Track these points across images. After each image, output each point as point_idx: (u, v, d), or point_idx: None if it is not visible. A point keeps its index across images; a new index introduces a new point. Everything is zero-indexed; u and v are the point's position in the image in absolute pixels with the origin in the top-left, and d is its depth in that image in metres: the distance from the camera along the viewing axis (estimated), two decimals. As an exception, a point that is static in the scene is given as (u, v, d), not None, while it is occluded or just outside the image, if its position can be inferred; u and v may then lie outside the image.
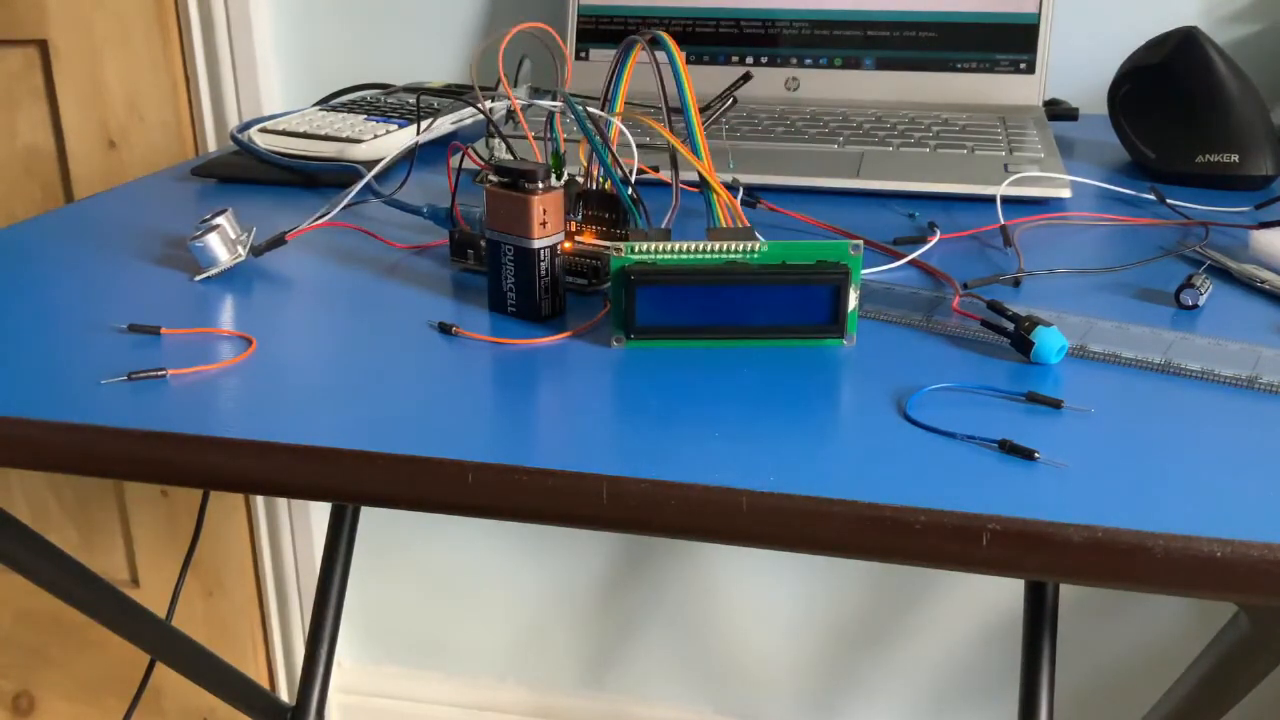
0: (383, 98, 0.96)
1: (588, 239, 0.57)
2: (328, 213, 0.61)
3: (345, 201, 0.61)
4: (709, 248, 0.50)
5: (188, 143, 1.27)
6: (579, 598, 1.39)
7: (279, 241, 0.61)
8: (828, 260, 0.50)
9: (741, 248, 0.50)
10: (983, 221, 0.68)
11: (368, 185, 0.60)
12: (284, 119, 0.87)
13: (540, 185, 0.51)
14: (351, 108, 0.93)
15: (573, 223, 0.56)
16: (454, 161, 0.63)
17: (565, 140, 0.58)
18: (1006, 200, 0.71)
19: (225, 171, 0.81)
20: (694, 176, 0.55)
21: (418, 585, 1.44)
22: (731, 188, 0.65)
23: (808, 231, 0.67)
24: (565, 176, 0.59)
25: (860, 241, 0.50)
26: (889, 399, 0.46)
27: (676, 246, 0.50)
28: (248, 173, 0.80)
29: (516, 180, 0.52)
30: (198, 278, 0.59)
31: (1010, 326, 0.50)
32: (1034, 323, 0.49)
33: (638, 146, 0.56)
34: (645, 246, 0.50)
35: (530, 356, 0.50)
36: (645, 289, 0.50)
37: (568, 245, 0.55)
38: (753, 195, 0.70)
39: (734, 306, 0.50)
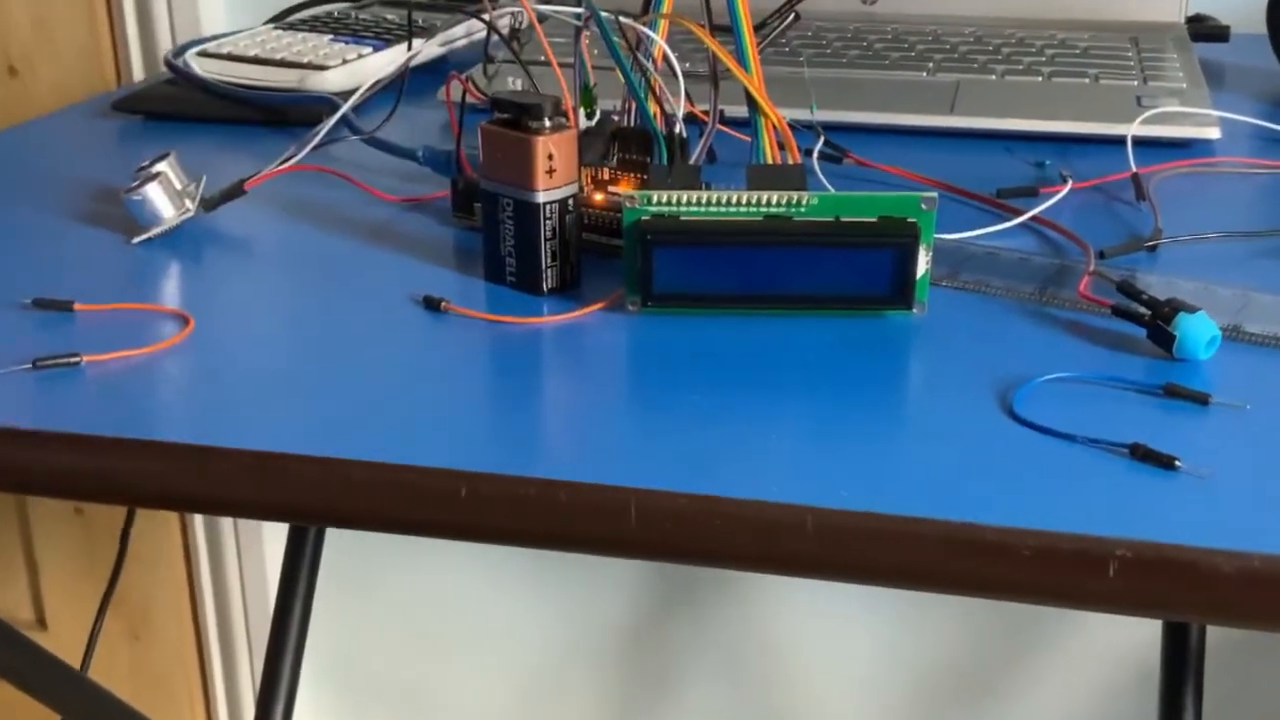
0: (353, 13, 0.97)
1: (625, 188, 0.56)
2: (294, 155, 0.61)
3: (317, 140, 0.61)
4: (744, 199, 0.49)
5: (108, 69, 1.27)
6: (599, 641, 1.40)
7: (236, 192, 0.61)
8: (892, 217, 0.49)
9: (785, 199, 0.49)
10: (1109, 169, 0.68)
11: (345, 121, 0.60)
12: (230, 40, 0.88)
13: (547, 123, 0.51)
14: (314, 25, 0.93)
15: (606, 169, 0.56)
16: (455, 93, 0.63)
17: (594, 68, 0.58)
18: (1139, 142, 0.70)
19: (156, 106, 0.81)
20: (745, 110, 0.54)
21: (397, 625, 1.45)
22: (808, 131, 0.63)
23: (896, 184, 0.67)
24: (598, 115, 0.58)
25: (935, 194, 0.49)
26: (991, 393, 0.46)
27: (703, 197, 0.49)
28: (185, 107, 0.81)
29: (518, 116, 0.51)
30: (135, 239, 0.60)
31: (1146, 314, 0.49)
32: (1175, 308, 0.48)
33: (686, 76, 0.55)
34: (665, 196, 0.49)
35: (539, 338, 0.50)
36: (664, 250, 0.49)
37: (600, 197, 0.55)
38: (836, 146, 0.69)
39: (774, 271, 0.50)
